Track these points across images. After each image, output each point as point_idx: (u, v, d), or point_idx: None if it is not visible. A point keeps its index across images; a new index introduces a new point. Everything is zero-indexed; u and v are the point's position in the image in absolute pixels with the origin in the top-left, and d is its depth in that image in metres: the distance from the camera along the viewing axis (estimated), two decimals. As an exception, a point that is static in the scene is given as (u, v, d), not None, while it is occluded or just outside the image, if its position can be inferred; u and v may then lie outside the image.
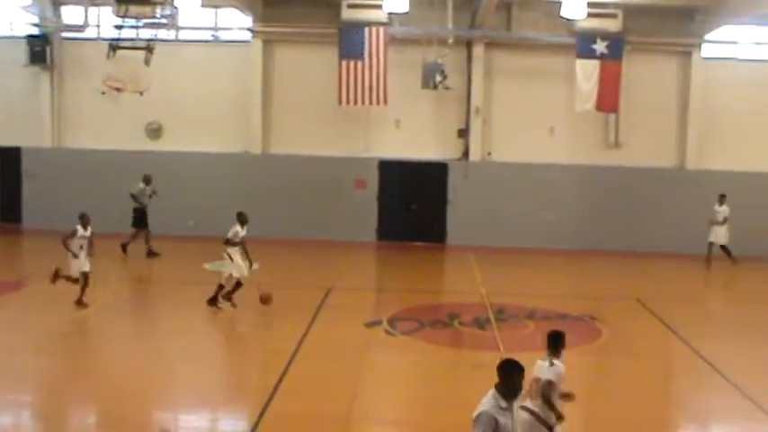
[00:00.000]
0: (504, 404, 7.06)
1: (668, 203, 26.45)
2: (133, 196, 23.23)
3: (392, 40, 24.76)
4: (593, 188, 26.63)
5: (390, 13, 24.07)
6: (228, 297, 17.13)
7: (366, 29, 24.42)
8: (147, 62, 23.03)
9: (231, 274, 17.14)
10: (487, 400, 7.10)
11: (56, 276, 16.71)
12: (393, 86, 24.72)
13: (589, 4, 20.32)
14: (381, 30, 24.48)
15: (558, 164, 26.55)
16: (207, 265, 21.07)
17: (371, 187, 26.54)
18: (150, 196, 23.32)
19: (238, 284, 17.19)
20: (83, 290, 16.72)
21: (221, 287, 17.17)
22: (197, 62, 26.50)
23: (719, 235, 24.34)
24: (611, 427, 11.72)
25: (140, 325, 17.37)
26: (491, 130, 26.74)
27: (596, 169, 26.57)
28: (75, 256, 16.60)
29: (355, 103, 24.72)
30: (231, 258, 17.11)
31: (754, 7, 22.25)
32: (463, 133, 26.75)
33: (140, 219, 23.27)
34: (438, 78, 24.52)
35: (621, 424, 11.79)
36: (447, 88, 24.89)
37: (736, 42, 26.71)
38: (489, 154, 26.76)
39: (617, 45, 24.78)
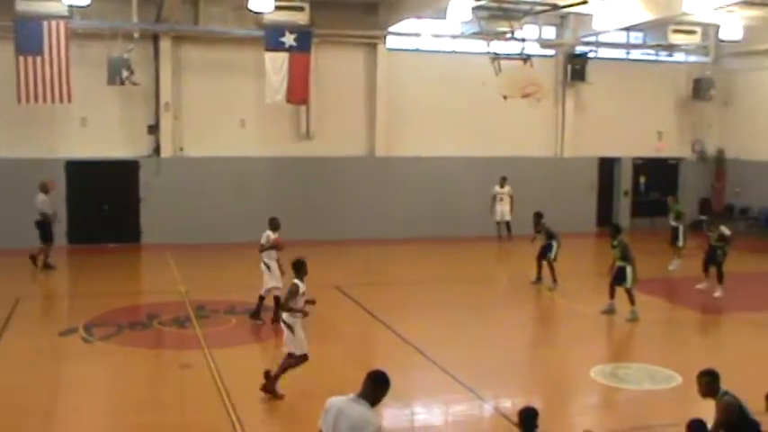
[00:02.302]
0: None
1: (361, 191, 27.37)
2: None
3: (74, 35, 23.68)
4: (288, 179, 26.91)
5: (71, 6, 23.05)
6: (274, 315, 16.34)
7: (45, 22, 23.13)
8: None
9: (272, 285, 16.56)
10: None
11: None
12: (77, 83, 23.62)
13: (276, -3, 20.50)
14: (62, 23, 23.32)
15: (251, 156, 26.61)
16: None
17: (59, 189, 25.17)
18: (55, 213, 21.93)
19: (262, 299, 16.72)
20: (284, 372, 12.46)
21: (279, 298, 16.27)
22: None
23: (505, 212, 27.17)
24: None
25: None
26: (182, 125, 26.35)
27: (290, 160, 26.92)
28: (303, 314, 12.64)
29: (36, 100, 23.41)
30: (268, 267, 16.66)
31: (432, 2, 23.40)
32: (153, 129, 26.17)
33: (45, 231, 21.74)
34: (125, 74, 23.96)
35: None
36: (134, 84, 24.37)
37: (418, 35, 27.96)
38: (181, 149, 26.38)
39: (305, 37, 25.16)
